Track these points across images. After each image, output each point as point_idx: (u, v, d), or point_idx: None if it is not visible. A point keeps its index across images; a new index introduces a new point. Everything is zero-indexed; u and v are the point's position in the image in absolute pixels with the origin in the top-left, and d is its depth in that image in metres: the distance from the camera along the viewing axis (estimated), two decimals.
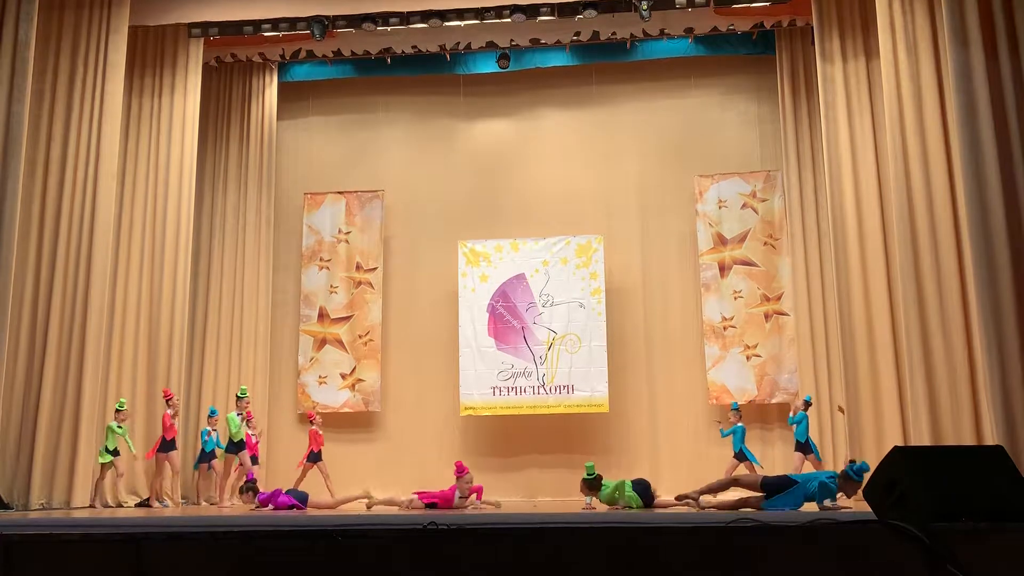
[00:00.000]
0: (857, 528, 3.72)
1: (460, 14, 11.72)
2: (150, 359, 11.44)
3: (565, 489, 11.81)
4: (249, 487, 9.99)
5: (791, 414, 10.86)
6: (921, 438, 9.10)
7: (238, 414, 11.15)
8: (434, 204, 13.59)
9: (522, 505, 10.66)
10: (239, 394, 11.34)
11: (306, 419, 11.90)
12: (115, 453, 10.44)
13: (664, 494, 11.40)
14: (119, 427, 10.46)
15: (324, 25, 11.75)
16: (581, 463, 11.14)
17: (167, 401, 10.88)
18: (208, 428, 11.26)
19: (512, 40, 12.78)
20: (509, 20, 11.79)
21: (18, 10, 9.66)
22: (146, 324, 11.52)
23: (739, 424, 10.94)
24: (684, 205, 13.00)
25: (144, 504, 10.78)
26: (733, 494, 8.58)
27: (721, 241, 12.65)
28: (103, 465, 10.36)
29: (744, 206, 12.71)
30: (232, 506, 10.63)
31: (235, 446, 11.05)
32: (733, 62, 13.21)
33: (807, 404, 10.83)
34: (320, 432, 11.38)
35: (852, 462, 8.29)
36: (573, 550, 3.66)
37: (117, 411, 10.54)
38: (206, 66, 12.58)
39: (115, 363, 11.26)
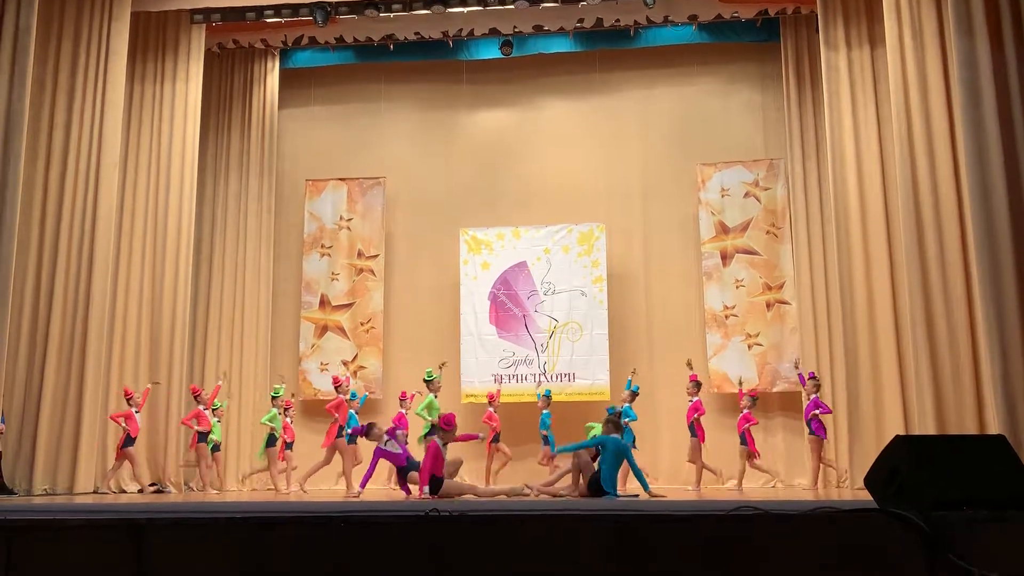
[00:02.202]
0: (858, 517, 3.73)
1: (463, 0, 11.67)
2: (152, 346, 11.47)
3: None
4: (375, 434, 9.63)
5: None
6: (926, 427, 9.11)
7: (280, 412, 11.24)
8: (436, 191, 13.57)
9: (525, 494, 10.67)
10: (274, 394, 11.32)
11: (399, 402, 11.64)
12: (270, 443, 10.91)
13: (664, 482, 11.48)
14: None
15: (326, 11, 11.71)
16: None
17: (128, 400, 10.78)
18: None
19: (515, 27, 12.73)
20: (512, 6, 11.76)
21: None
22: (148, 312, 11.54)
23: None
24: (686, 193, 12.98)
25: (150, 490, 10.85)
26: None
27: (723, 230, 12.64)
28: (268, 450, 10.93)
29: (747, 195, 12.68)
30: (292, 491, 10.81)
31: (277, 442, 11.14)
32: (737, 50, 13.16)
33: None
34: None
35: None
36: (571, 538, 3.67)
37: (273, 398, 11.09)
38: (208, 52, 12.55)
39: (117, 351, 11.29)
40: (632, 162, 13.36)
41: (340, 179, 13.53)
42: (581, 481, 8.84)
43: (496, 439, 11.47)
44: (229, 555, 3.65)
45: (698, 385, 11.20)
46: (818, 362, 11.74)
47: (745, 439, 10.93)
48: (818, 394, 10.77)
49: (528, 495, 8.68)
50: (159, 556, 3.64)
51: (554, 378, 12.47)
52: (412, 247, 13.52)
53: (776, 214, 12.57)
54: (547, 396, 11.47)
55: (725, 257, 12.57)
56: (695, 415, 10.90)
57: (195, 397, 11.20)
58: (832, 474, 11.04)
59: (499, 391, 11.93)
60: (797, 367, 11.34)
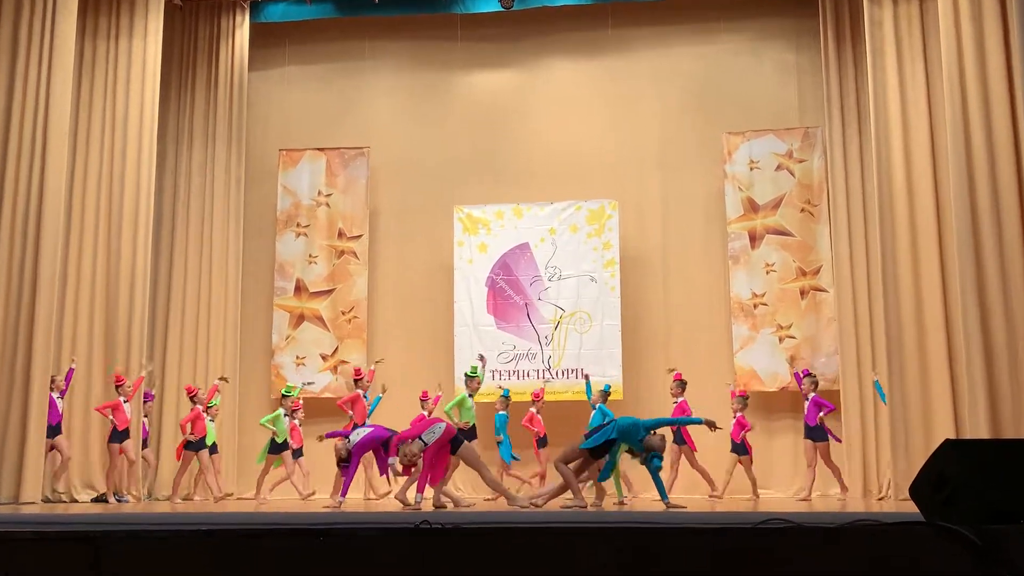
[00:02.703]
0: (901, 530, 3.74)
1: None
2: (107, 336, 11.48)
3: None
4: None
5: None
6: (978, 430, 9.13)
7: (286, 414, 11.34)
8: (427, 163, 13.55)
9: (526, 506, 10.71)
10: (285, 392, 11.37)
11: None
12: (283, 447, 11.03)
13: (680, 492, 11.53)
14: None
15: None
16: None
17: (117, 387, 10.89)
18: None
19: None
20: None
21: None
22: (102, 297, 11.55)
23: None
24: (710, 166, 12.96)
25: (101, 499, 10.87)
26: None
27: (752, 207, 12.63)
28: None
29: (779, 168, 12.67)
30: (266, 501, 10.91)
31: (280, 447, 11.22)
32: (768, 2, 13.13)
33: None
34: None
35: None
36: (577, 553, 3.69)
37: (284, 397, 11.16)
38: (169, 5, 12.51)
39: (68, 341, 11.30)
40: (649, 131, 13.33)
41: (318, 149, 13.51)
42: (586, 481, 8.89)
43: (542, 443, 11.46)
44: (197, 571, 3.67)
45: (683, 385, 11.27)
46: (859, 357, 11.76)
47: (745, 447, 10.96)
48: (816, 392, 10.80)
49: (528, 508, 8.70)
50: (116, 574, 3.66)
51: (560, 374, 12.50)
52: (400, 226, 13.51)
53: (812, 190, 12.56)
54: (505, 397, 11.46)
55: (754, 238, 12.57)
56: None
57: (191, 397, 11.23)
58: (852, 482, 11.10)
59: (543, 389, 11.85)
60: (792, 364, 11.29)
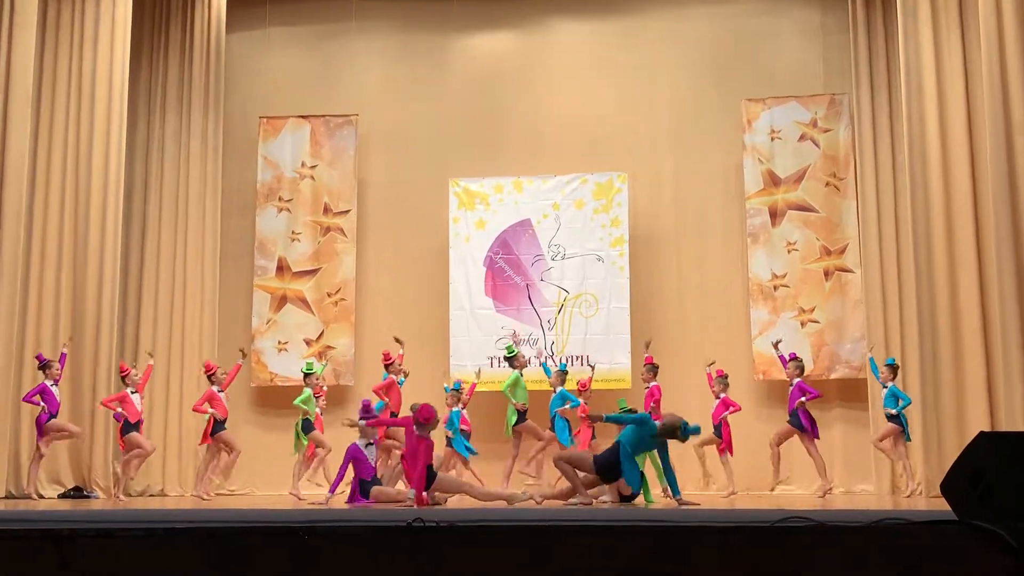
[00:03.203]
0: (932, 529, 3.76)
1: None
2: (75, 318, 11.48)
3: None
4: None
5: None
6: (1015, 422, 9.15)
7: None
8: (420, 132, 13.52)
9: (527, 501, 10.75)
10: (308, 371, 11.27)
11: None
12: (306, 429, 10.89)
13: (694, 488, 11.57)
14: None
15: None
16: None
17: (123, 378, 10.90)
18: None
19: None
20: None
21: None
22: (69, 277, 11.54)
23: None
24: (728, 136, 12.93)
25: (73, 495, 10.91)
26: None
27: (773, 181, 12.61)
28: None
29: (802, 138, 12.64)
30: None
31: (307, 427, 11.16)
32: None
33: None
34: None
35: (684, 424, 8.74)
36: (584, 554, 3.71)
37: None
38: None
39: (32, 323, 11.30)
40: (661, 97, 13.30)
41: (302, 116, 13.48)
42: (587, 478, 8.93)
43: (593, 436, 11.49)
44: (173, 572, 3.69)
45: (654, 369, 11.31)
46: (887, 343, 11.76)
47: (720, 431, 10.94)
48: (802, 378, 10.81)
49: (529, 503, 8.75)
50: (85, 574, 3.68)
51: (564, 362, 12.50)
52: (391, 201, 13.49)
53: (838, 162, 12.54)
54: (456, 390, 11.48)
55: (775, 215, 12.55)
56: (651, 404, 11.00)
57: (209, 376, 11.21)
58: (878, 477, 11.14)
59: (591, 379, 11.84)
60: (776, 347, 11.26)
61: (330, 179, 13.35)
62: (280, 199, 13.34)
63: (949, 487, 4.35)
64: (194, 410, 11.15)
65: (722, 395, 11.02)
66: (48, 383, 10.58)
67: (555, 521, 4.62)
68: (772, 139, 12.69)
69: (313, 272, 13.18)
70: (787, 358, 11.02)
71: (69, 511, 7.85)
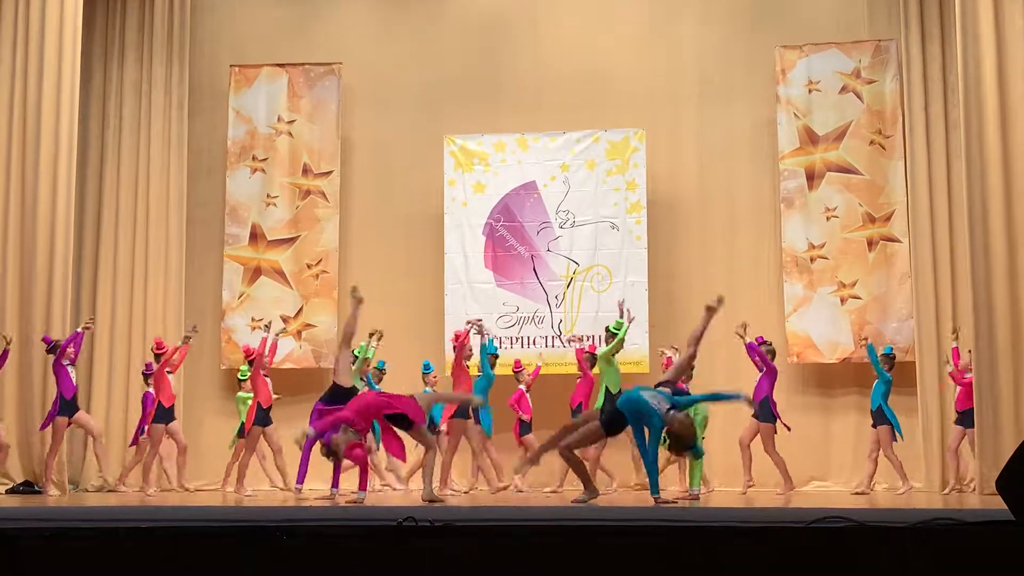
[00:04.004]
0: (986, 530, 3.77)
1: None
2: (23, 292, 11.47)
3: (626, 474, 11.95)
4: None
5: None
6: None
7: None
8: (412, 84, 13.48)
9: (531, 496, 10.80)
10: (357, 353, 11.24)
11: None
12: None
13: (717, 483, 11.63)
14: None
15: None
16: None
17: (157, 356, 11.33)
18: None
19: None
20: None
21: None
22: (16, 247, 11.52)
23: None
24: (760, 88, 12.89)
25: (23, 491, 10.98)
26: None
27: (811, 139, 12.57)
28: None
29: (844, 90, 12.59)
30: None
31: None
32: None
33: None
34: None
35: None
36: (589, 556, 3.73)
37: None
38: None
39: None
40: (684, 45, 13.25)
41: (278, 65, 13.43)
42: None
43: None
44: None
45: (594, 358, 11.37)
46: (938, 323, 11.78)
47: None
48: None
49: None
50: None
51: (573, 342, 12.50)
52: (378, 161, 13.46)
53: (883, 117, 12.49)
54: (428, 371, 11.59)
55: (812, 177, 12.52)
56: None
57: (250, 362, 11.32)
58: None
59: (670, 359, 11.77)
60: (743, 334, 11.18)
61: (310, 136, 13.31)
62: (254, 158, 13.31)
63: (1006, 484, 4.37)
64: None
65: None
66: (64, 363, 10.93)
67: (566, 521, 4.64)
68: (809, 91, 12.63)
69: (291, 241, 13.17)
70: (756, 343, 10.98)
71: (17, 508, 7.89)
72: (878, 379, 10.96)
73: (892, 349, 11.41)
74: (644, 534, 3.80)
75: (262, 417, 10.94)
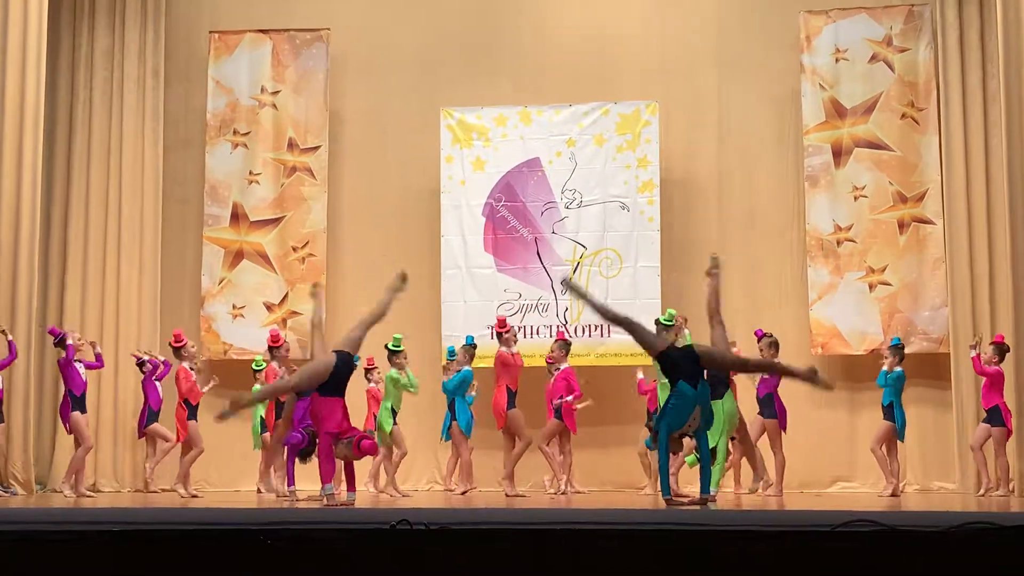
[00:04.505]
0: None
1: None
2: None
3: (598, 475, 11.92)
4: None
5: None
6: None
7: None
8: (405, 52, 13.45)
9: (538, 498, 10.82)
10: (395, 347, 11.24)
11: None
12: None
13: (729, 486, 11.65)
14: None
15: None
16: (620, 438, 11.29)
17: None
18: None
19: None
20: None
21: None
22: None
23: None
24: (782, 56, 12.88)
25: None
26: None
27: (837, 112, 12.55)
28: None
29: (873, 59, 12.56)
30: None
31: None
32: None
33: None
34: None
35: None
36: (597, 560, 3.73)
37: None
38: None
39: None
40: (701, 8, 13.23)
41: (261, 31, 13.40)
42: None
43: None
44: None
45: (566, 346, 11.48)
46: (974, 311, 11.78)
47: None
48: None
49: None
50: None
51: (580, 331, 12.52)
52: (369, 135, 13.45)
53: (917, 89, 12.46)
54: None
55: (839, 153, 12.50)
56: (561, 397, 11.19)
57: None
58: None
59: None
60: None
61: (296, 108, 13.29)
62: (235, 132, 13.28)
63: None
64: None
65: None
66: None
67: (569, 524, 4.63)
68: (836, 61, 12.60)
69: (275, 222, 13.16)
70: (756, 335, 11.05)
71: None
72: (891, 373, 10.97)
73: (900, 340, 11.38)
74: (655, 538, 3.80)
75: (279, 410, 10.93)
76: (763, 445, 10.99)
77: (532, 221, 12.84)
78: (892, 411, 10.91)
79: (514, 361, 11.37)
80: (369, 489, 11.29)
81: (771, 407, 10.87)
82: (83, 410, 11.16)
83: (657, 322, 10.80)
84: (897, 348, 11.13)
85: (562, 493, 11.11)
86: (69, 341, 11.08)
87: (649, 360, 10.09)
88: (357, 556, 3.74)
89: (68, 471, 11.17)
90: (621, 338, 12.18)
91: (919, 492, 11.66)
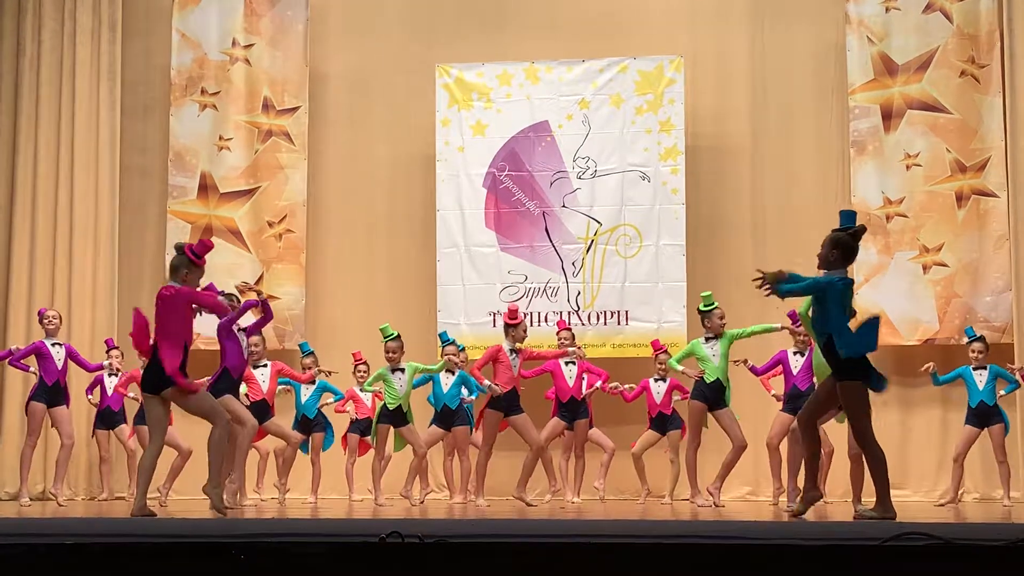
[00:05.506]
0: None
1: None
2: None
3: (614, 481, 11.94)
4: None
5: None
6: None
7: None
8: (396, 1, 13.46)
9: (547, 507, 10.85)
10: (390, 336, 11.12)
11: None
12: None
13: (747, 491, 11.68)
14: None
15: None
16: (636, 436, 11.31)
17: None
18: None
19: None
20: None
21: None
22: None
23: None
24: (825, 6, 12.87)
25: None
26: None
27: (888, 69, 12.53)
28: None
29: (929, 7, 12.53)
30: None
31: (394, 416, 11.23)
32: None
33: None
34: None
35: None
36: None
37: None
38: None
39: None
40: None
41: None
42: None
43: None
44: None
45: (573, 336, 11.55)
46: None
47: (679, 421, 11.12)
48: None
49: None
50: None
51: (594, 318, 12.53)
52: (355, 95, 13.48)
53: (978, 42, 12.44)
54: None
55: (889, 116, 12.49)
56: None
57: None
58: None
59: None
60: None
61: (272, 64, 13.30)
62: (203, 92, 13.29)
63: None
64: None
65: (670, 377, 11.24)
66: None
67: (581, 538, 4.65)
68: (887, 10, 12.58)
69: (248, 193, 13.18)
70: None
71: None
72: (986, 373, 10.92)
73: (973, 331, 11.35)
74: (692, 552, 3.82)
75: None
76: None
77: (540, 193, 12.84)
78: (998, 410, 10.85)
79: (507, 362, 11.03)
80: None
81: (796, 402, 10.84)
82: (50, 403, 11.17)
83: (699, 309, 10.91)
84: (983, 339, 11.06)
85: (572, 501, 11.15)
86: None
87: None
88: (343, 574, 3.76)
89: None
90: (641, 326, 12.24)
91: (979, 502, 11.68)
